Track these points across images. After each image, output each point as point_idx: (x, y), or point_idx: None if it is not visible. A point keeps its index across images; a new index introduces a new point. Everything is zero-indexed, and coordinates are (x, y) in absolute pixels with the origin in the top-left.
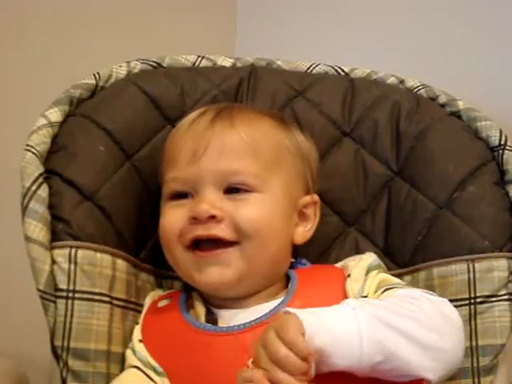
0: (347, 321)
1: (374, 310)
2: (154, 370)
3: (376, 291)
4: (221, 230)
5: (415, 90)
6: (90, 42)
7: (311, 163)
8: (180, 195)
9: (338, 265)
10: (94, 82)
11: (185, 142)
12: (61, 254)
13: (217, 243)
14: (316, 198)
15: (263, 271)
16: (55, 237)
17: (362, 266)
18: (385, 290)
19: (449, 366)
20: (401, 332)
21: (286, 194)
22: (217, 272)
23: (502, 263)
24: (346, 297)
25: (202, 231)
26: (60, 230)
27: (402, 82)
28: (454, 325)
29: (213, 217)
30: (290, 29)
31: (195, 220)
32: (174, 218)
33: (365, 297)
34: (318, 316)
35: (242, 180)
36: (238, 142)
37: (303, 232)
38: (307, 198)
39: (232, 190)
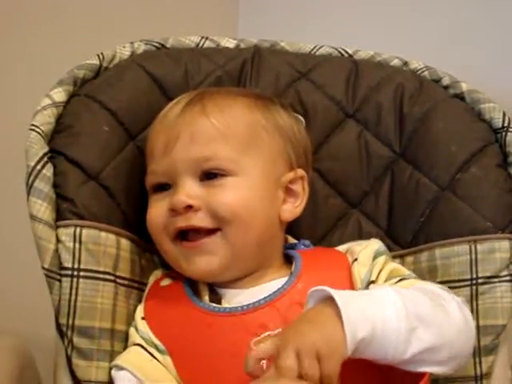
0: (388, 312)
1: (412, 305)
2: (157, 347)
3: (387, 280)
4: (199, 220)
5: (419, 72)
6: (94, 23)
7: (293, 139)
8: (161, 187)
9: (342, 248)
10: (97, 62)
11: (158, 133)
12: (65, 233)
13: (200, 232)
14: (301, 172)
15: (250, 254)
16: (60, 216)
17: (369, 251)
18: (400, 280)
19: (458, 363)
20: (431, 325)
21: (265, 172)
22: (204, 261)
23: (504, 244)
24: (351, 281)
25: (181, 222)
26: (65, 209)
27: (405, 63)
28: (470, 326)
29: (190, 207)
30: (293, 10)
31: (174, 212)
32: (156, 212)
33: (373, 281)
34: (360, 304)
35: (215, 165)
36: (208, 127)
37: (292, 209)
38: (291, 174)
39: (208, 176)
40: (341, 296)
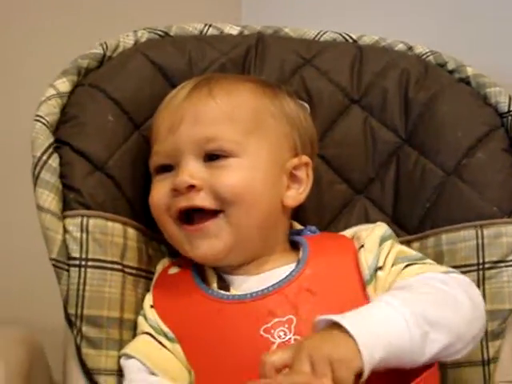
0: (399, 326)
1: (420, 310)
2: (166, 335)
3: (393, 264)
4: (201, 200)
5: (424, 57)
6: (96, 11)
7: (299, 126)
8: (164, 168)
9: (348, 233)
10: (101, 51)
11: (164, 116)
12: (73, 223)
13: (204, 213)
14: (305, 159)
15: (253, 237)
16: (67, 206)
17: (375, 237)
18: (406, 266)
19: (472, 348)
20: (442, 326)
21: (269, 156)
22: (207, 244)
23: (511, 229)
24: (358, 267)
25: (183, 202)
26: (71, 199)
27: (410, 48)
28: (480, 309)
29: (192, 186)
30: None
31: (176, 192)
32: (159, 193)
33: (380, 268)
34: (372, 328)
35: (219, 146)
36: (213, 108)
37: (296, 195)
38: (295, 161)
39: (211, 157)
40: (351, 322)
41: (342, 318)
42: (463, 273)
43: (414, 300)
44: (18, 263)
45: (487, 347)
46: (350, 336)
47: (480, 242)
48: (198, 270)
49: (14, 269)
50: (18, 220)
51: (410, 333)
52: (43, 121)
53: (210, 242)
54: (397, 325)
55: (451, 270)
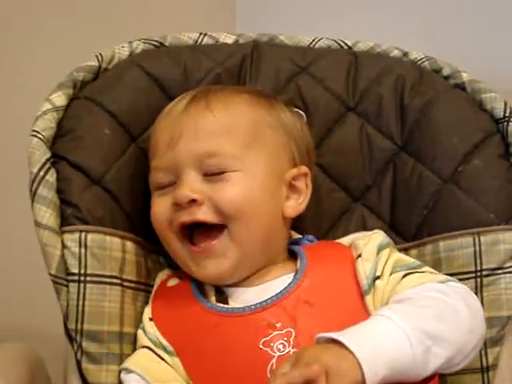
0: (401, 343)
1: (421, 325)
2: (165, 349)
3: (392, 273)
4: (203, 214)
5: (419, 63)
6: (91, 22)
7: (296, 136)
8: (164, 185)
9: (345, 240)
10: (96, 63)
11: (162, 129)
12: (71, 239)
13: (207, 228)
14: (304, 169)
15: (257, 251)
16: (65, 221)
17: (372, 246)
18: (405, 275)
19: (472, 358)
20: (443, 339)
21: (268, 168)
22: (214, 264)
23: (508, 236)
24: (356, 277)
25: (186, 217)
26: (69, 214)
27: (405, 54)
28: (478, 314)
29: (193, 201)
30: (291, 2)
31: (177, 206)
32: (160, 208)
33: (378, 277)
34: (373, 345)
35: (218, 161)
36: (212, 122)
37: (295, 205)
38: (294, 171)
39: (211, 172)
40: (350, 339)
41: (341, 335)
42: (461, 280)
43: (414, 314)
44: (18, 274)
45: (486, 354)
46: (350, 352)
47: (477, 249)
48: (197, 282)
49: (14, 279)
50: (17, 234)
51: (412, 349)
52: (40, 136)
53: (216, 262)
54: (398, 341)
55: (450, 278)
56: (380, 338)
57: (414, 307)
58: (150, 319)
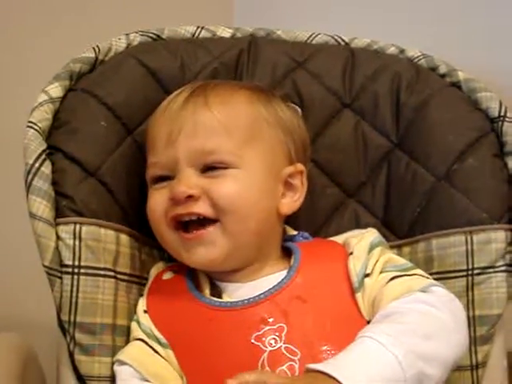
0: (392, 367)
1: (412, 347)
2: (158, 341)
3: (382, 272)
4: (198, 207)
5: (415, 60)
6: (88, 13)
7: (293, 133)
8: (162, 178)
9: (340, 239)
10: (93, 55)
11: (160, 125)
12: (65, 230)
13: (201, 222)
14: (300, 167)
15: (249, 244)
16: (59, 213)
17: (364, 244)
18: (392, 278)
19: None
20: (434, 358)
21: (265, 165)
22: (203, 251)
23: (500, 235)
24: (347, 275)
25: (181, 210)
26: (64, 206)
27: (402, 51)
28: (463, 325)
29: (190, 196)
30: None
31: (174, 201)
32: (157, 202)
33: (368, 275)
34: (364, 373)
35: (218, 159)
36: (211, 120)
37: (291, 202)
38: (290, 168)
39: (209, 168)
40: (342, 370)
41: (331, 366)
42: (453, 278)
43: (404, 334)
44: (11, 264)
45: (476, 352)
46: (339, 382)
47: (469, 247)
48: (192, 275)
49: (7, 269)
50: (11, 226)
51: (404, 373)
52: (36, 127)
53: (206, 249)
54: (390, 366)
55: (434, 282)
56: (371, 365)
57: (403, 325)
58: (145, 311)
